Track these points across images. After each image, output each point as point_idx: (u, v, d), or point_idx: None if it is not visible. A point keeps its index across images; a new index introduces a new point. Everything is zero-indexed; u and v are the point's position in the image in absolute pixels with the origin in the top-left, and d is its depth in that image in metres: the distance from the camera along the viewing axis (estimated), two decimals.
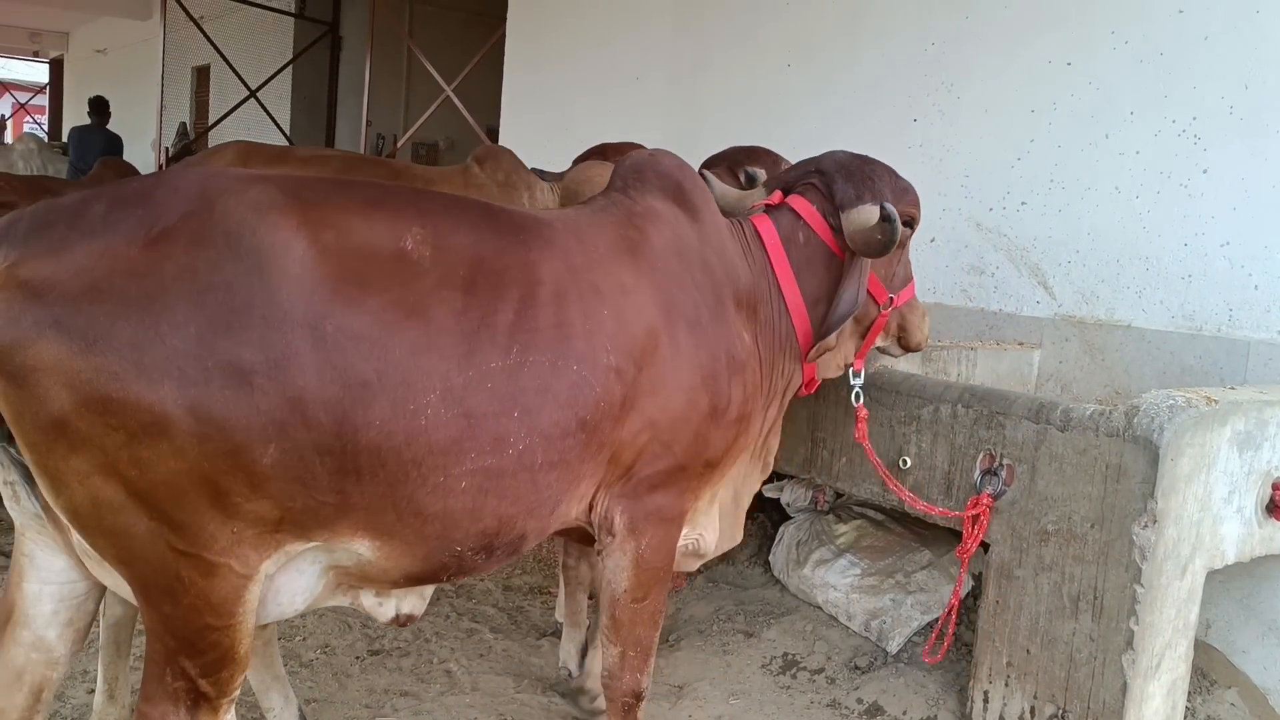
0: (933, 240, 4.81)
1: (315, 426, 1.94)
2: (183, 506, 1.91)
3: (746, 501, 3.04)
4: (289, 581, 2.18)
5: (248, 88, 10.50)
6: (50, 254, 1.85)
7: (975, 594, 3.86)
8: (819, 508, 4.39)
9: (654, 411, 2.45)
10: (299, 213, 2.01)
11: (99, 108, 11.28)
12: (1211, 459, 2.92)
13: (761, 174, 3.43)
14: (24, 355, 1.80)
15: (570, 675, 3.67)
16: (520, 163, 4.45)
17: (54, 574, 2.19)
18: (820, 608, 4.11)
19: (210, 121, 11.90)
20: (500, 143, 7.48)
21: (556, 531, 2.60)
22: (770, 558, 4.42)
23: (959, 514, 3.16)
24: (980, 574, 3.62)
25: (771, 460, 3.05)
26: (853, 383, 3.04)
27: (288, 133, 10.92)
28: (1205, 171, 3.85)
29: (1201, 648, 3.69)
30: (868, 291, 2.81)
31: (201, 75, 12.90)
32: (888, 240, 2.66)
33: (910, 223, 2.95)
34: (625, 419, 2.39)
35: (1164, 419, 2.83)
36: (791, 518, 4.46)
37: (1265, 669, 3.41)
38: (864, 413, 3.06)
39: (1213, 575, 3.25)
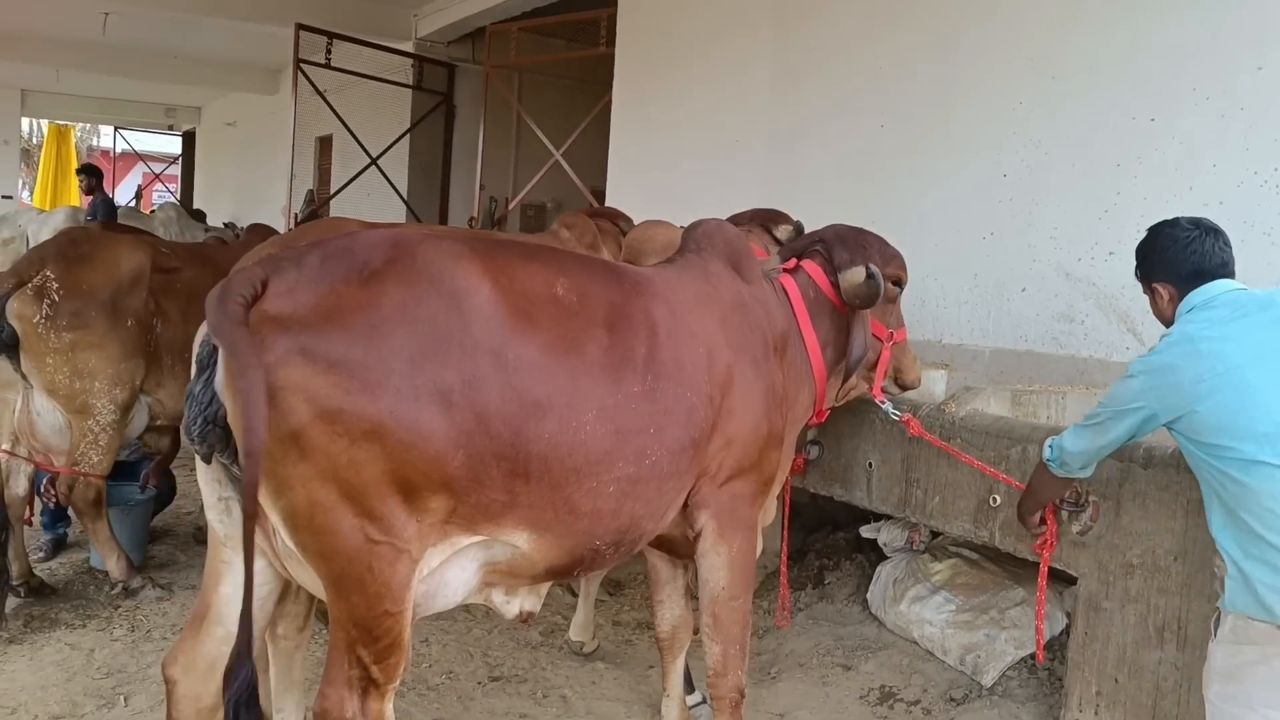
0: (1024, 290, 4.98)
1: (496, 437, 2.35)
2: (384, 501, 2.27)
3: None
4: (454, 575, 2.55)
5: (369, 155, 11.13)
6: (287, 295, 2.25)
7: (1067, 630, 3.99)
8: (914, 547, 4.56)
9: (732, 432, 2.93)
10: (481, 261, 2.46)
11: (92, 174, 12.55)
12: None
13: (793, 231, 4.17)
14: (275, 376, 2.17)
15: (581, 646, 4.37)
16: (595, 228, 5.07)
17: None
18: (916, 642, 4.27)
19: (332, 187, 12.62)
20: (607, 204, 7.88)
21: (663, 539, 3.07)
22: (868, 595, 4.60)
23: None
24: (1071, 610, 3.76)
25: (777, 487, 3.46)
26: (883, 407, 3.68)
27: (405, 197, 11.53)
28: None
29: None
30: (871, 333, 3.44)
31: (324, 144, 13.68)
32: (873, 293, 3.26)
33: (898, 281, 3.59)
34: (713, 439, 2.87)
35: None
36: (888, 557, 4.65)
37: None
38: (908, 418, 3.70)
39: None
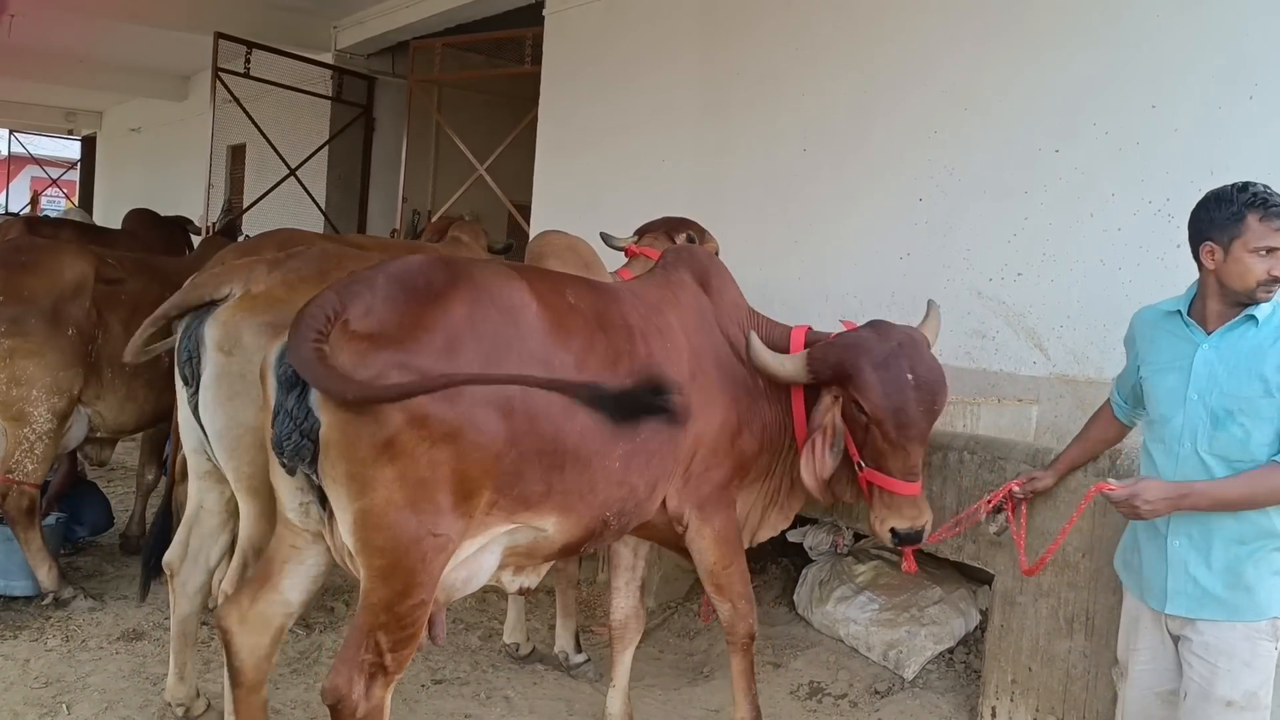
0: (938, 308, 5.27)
1: (541, 435, 2.69)
2: (449, 496, 2.54)
3: (758, 530, 3.75)
4: (488, 560, 2.87)
5: (288, 166, 11.05)
6: (368, 316, 2.52)
7: (982, 626, 4.27)
8: (839, 550, 4.81)
9: (701, 425, 3.23)
10: (525, 280, 2.84)
11: None
12: None
13: (695, 239, 4.55)
14: (373, 390, 2.44)
15: (566, 657, 4.49)
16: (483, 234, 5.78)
17: (308, 559, 2.88)
18: (842, 640, 4.51)
19: (245, 196, 12.48)
20: (532, 219, 8.02)
21: (640, 528, 3.33)
22: (795, 596, 4.83)
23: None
24: (986, 608, 4.03)
25: (791, 513, 3.76)
26: None
27: (324, 208, 11.48)
28: (1178, 246, 4.29)
29: None
30: None
31: (237, 153, 13.51)
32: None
33: None
34: (689, 427, 3.16)
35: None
36: (814, 560, 4.89)
37: None
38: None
39: None
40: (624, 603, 3.84)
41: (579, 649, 4.47)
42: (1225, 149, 4.22)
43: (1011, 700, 3.58)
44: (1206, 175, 4.25)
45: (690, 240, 4.56)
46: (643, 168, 7.10)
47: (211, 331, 3.22)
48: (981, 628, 4.31)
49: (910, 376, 3.08)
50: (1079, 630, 3.40)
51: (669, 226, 4.74)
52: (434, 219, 7.39)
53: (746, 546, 3.63)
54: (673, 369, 3.13)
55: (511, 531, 2.83)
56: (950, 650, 4.35)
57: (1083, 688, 3.37)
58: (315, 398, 2.50)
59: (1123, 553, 2.98)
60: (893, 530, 3.19)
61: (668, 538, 3.49)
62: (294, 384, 2.53)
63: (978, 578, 4.50)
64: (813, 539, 4.87)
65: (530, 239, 5.32)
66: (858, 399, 3.11)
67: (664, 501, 3.26)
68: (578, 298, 2.99)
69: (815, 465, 3.20)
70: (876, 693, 4.18)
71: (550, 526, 2.87)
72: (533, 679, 4.36)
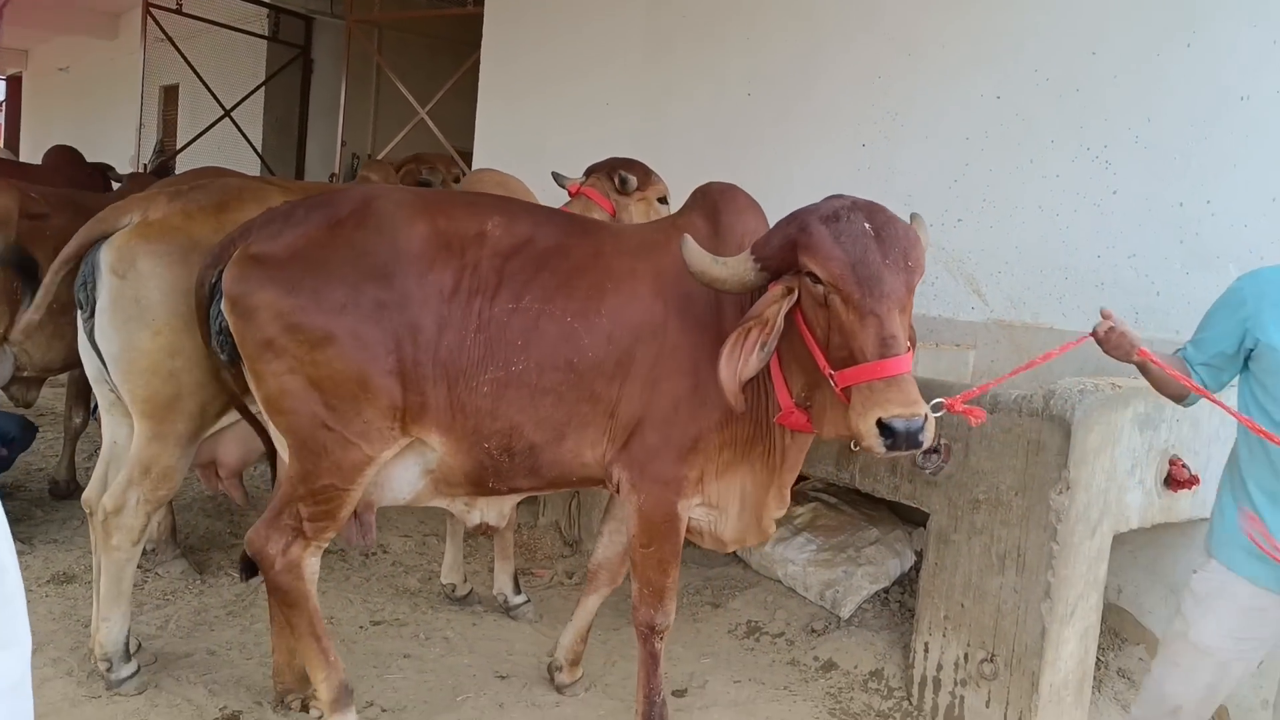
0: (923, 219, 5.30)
1: (418, 345, 2.89)
2: (338, 396, 2.89)
3: (762, 512, 3.21)
4: (399, 473, 3.11)
5: (223, 107, 10.77)
6: (270, 239, 2.95)
7: (917, 567, 4.34)
8: None
9: (644, 380, 3.00)
10: (422, 207, 3.03)
11: None
12: (1116, 436, 3.42)
13: (634, 180, 4.48)
14: (249, 300, 2.89)
15: (505, 599, 4.46)
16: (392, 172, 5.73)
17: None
18: (780, 581, 4.56)
19: (178, 139, 12.16)
20: (474, 164, 7.90)
21: (581, 481, 3.23)
22: None
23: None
24: (921, 549, 4.10)
25: (787, 494, 3.25)
26: None
27: (260, 152, 11.23)
28: (1115, 192, 4.39)
29: (1114, 610, 4.20)
30: None
31: (170, 94, 13.14)
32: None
33: None
34: (620, 382, 3.00)
35: (1075, 401, 3.33)
36: None
37: (1169, 625, 3.89)
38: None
39: (1122, 545, 3.76)
40: (602, 550, 3.66)
41: (518, 590, 4.46)
42: (1163, 96, 4.27)
43: (944, 635, 3.65)
44: (1144, 123, 4.31)
45: (623, 182, 4.49)
46: (586, 112, 7.02)
47: (106, 256, 3.28)
48: (916, 568, 4.38)
49: (868, 226, 2.58)
50: (1010, 566, 3.46)
51: (612, 167, 4.68)
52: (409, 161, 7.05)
53: (760, 531, 3.25)
54: (602, 311, 2.97)
55: (418, 449, 3.04)
56: (886, 590, 4.43)
57: (1013, 622, 3.44)
58: (224, 304, 2.95)
59: (1246, 545, 2.61)
60: (881, 426, 2.46)
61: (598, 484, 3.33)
62: (215, 293, 3.00)
63: (914, 520, 4.57)
64: None
65: (465, 177, 5.28)
66: (811, 266, 2.58)
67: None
68: (507, 225, 3.06)
69: (739, 360, 2.67)
70: (813, 631, 4.24)
71: (438, 446, 3.02)
72: (472, 619, 4.36)
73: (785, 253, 2.67)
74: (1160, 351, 2.74)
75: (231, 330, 2.96)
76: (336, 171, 10.37)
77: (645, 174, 4.62)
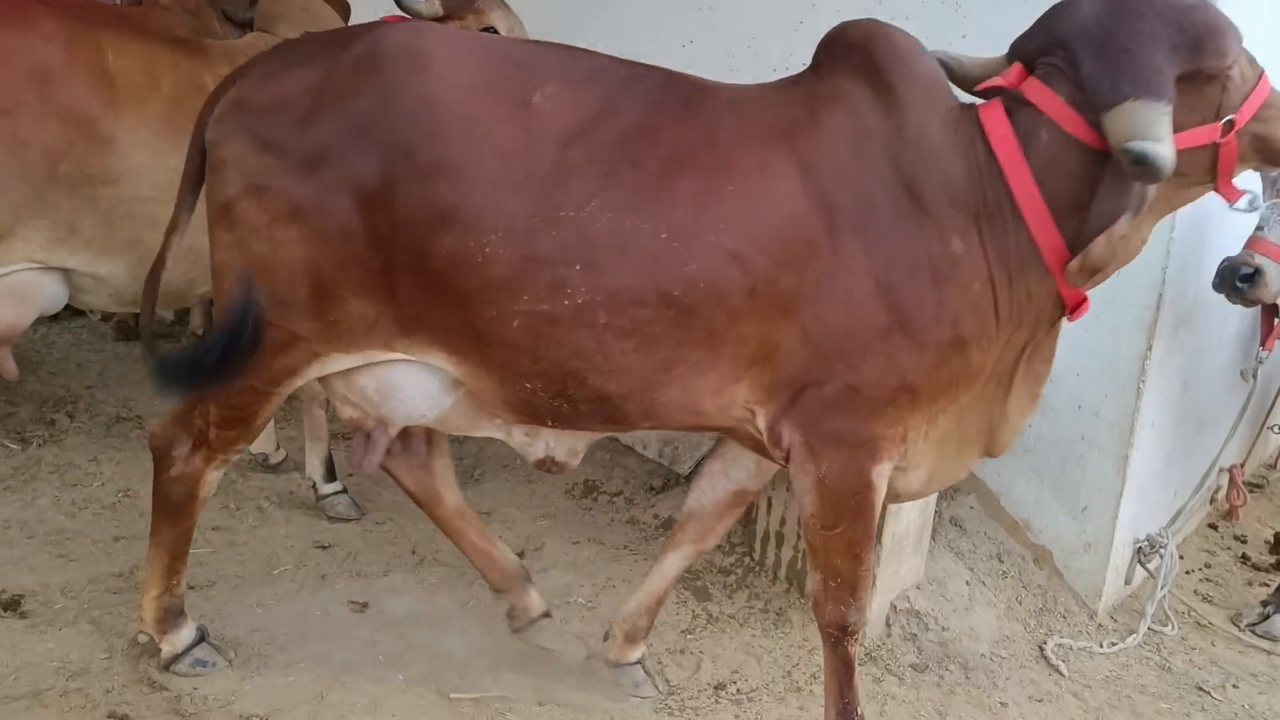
0: None
1: (407, 246, 2.27)
2: (291, 287, 2.34)
3: (998, 431, 2.57)
4: (411, 383, 2.52)
5: None
6: (260, 81, 2.38)
7: None
8: None
9: (808, 319, 2.26)
10: (443, 54, 2.30)
11: None
12: None
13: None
14: (221, 150, 2.37)
15: (314, 486, 3.89)
16: None
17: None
18: (617, 438, 4.41)
19: None
20: None
21: (715, 429, 2.56)
22: None
23: None
24: None
25: (1040, 390, 2.59)
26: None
27: None
28: (964, 36, 4.25)
29: None
30: (1179, 150, 2.15)
31: None
32: (1149, 175, 2.11)
33: (1213, 75, 2.24)
34: (761, 318, 2.26)
35: None
36: None
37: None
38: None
39: None
40: (697, 496, 2.89)
41: (330, 476, 3.90)
42: None
43: (787, 489, 3.58)
44: None
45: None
46: None
47: None
48: None
49: None
50: None
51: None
52: None
53: (984, 454, 2.62)
54: (723, 227, 2.22)
55: (413, 359, 2.46)
56: None
57: None
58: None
59: None
60: None
61: (740, 438, 2.58)
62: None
63: None
64: None
65: None
66: (1213, 67, 2.20)
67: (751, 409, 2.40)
68: (564, 94, 2.28)
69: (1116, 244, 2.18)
70: (652, 489, 4.13)
71: (446, 366, 2.42)
72: (289, 487, 4.05)
73: (1172, 73, 2.16)
74: None
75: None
76: None
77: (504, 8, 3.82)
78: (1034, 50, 2.36)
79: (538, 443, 2.70)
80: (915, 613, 3.50)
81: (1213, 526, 4.87)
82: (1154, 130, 2.09)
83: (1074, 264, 2.24)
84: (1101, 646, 3.62)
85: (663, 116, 2.30)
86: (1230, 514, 4.67)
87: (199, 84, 3.26)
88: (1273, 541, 4.71)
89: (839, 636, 2.52)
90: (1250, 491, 4.95)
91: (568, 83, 2.31)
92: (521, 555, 3.60)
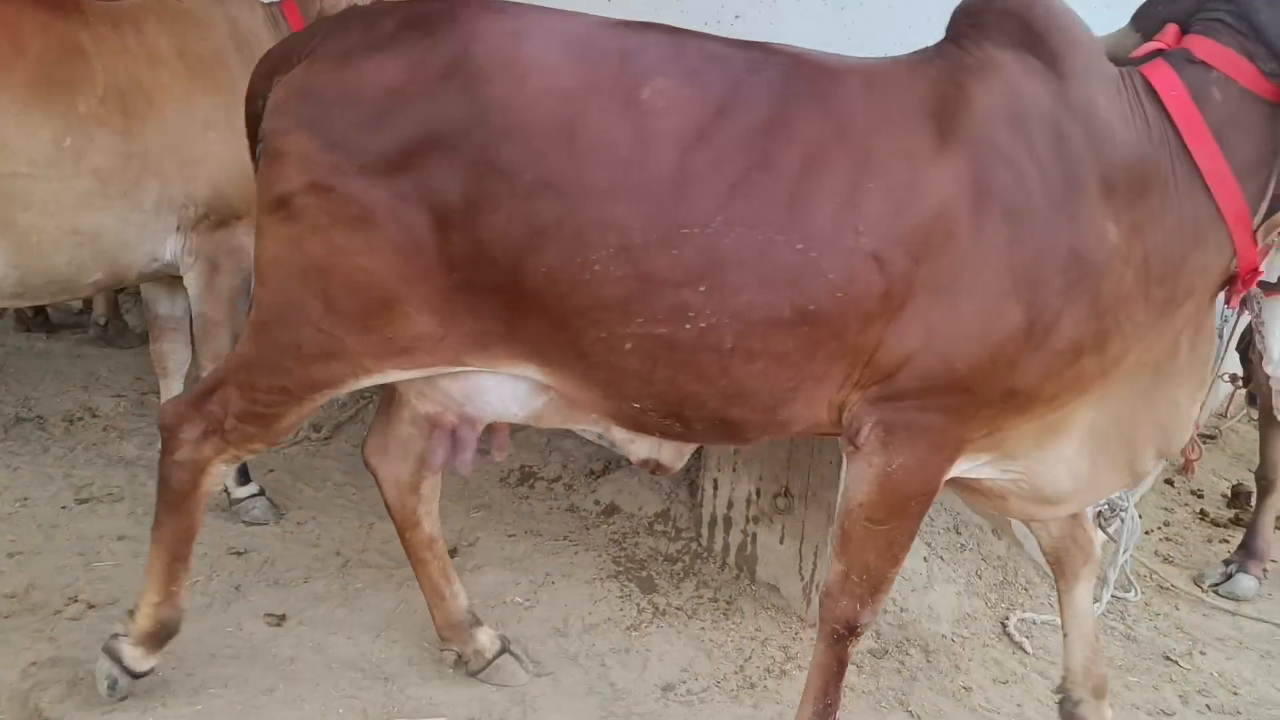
0: None
1: (494, 265, 2.04)
2: (348, 296, 2.13)
3: (1157, 433, 2.40)
4: (498, 384, 2.29)
5: None
6: (331, 63, 2.13)
7: None
8: None
9: (935, 316, 2.03)
10: (542, 45, 2.05)
11: None
12: None
13: None
14: (281, 140, 2.13)
15: (227, 490, 3.54)
16: None
17: None
18: None
19: None
20: None
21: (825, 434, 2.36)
22: None
23: None
24: None
25: (1205, 372, 2.41)
26: None
27: None
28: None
29: None
30: None
31: None
32: None
33: None
34: (888, 319, 2.03)
35: None
36: None
37: None
38: None
39: None
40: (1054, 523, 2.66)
41: (244, 479, 3.58)
42: None
43: (734, 471, 3.39)
44: None
45: None
46: None
47: None
48: None
49: None
50: None
51: None
52: None
53: (1143, 469, 2.45)
54: (858, 226, 1.98)
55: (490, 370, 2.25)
56: None
57: (808, 454, 3.19)
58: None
59: None
60: None
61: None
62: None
63: None
64: None
65: None
66: None
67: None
68: (676, 88, 2.02)
69: None
70: (592, 473, 3.92)
71: (540, 376, 2.20)
72: None
73: None
74: None
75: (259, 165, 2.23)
76: None
77: None
78: (1180, 11, 2.21)
79: (641, 442, 2.46)
80: None
81: (1169, 482, 4.78)
82: None
83: (1264, 226, 2.11)
84: None
85: (791, 109, 2.03)
86: (1185, 468, 4.54)
87: (73, 46, 2.95)
88: (1229, 495, 4.62)
89: (843, 634, 2.32)
90: (1203, 443, 4.85)
91: (680, 75, 2.05)
92: (454, 553, 3.37)
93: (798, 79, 2.08)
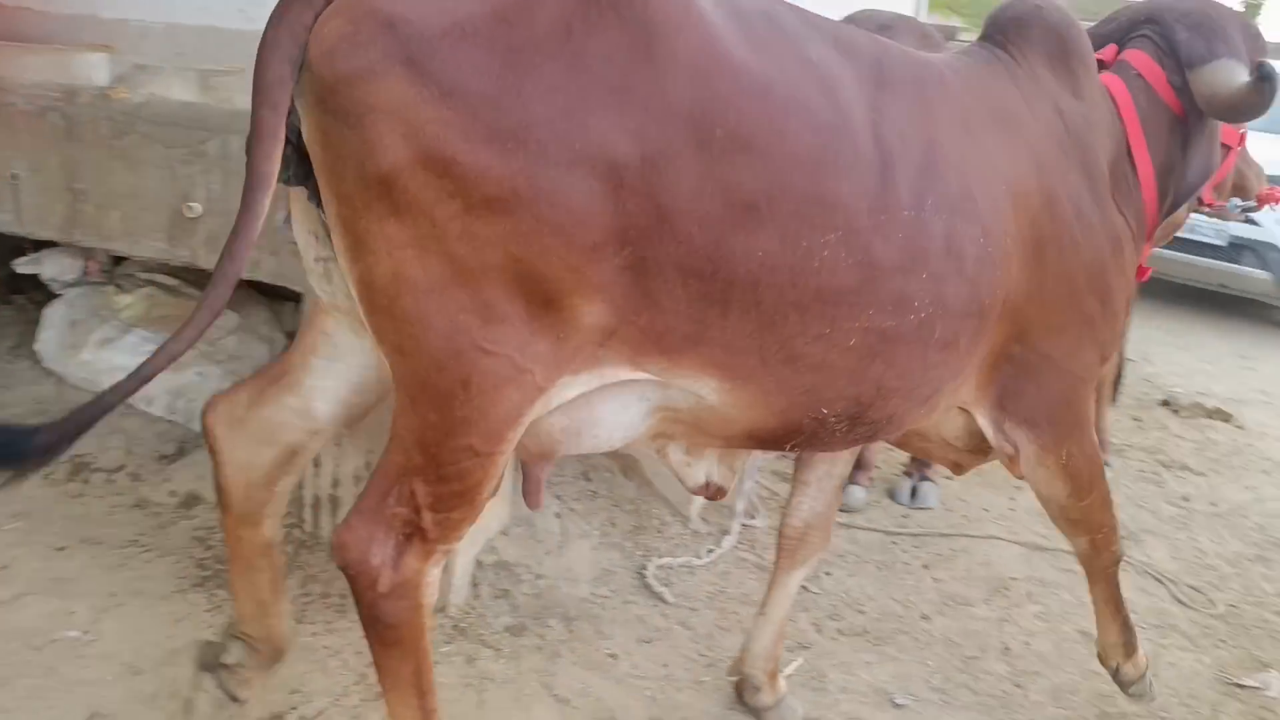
0: None
1: (684, 241, 1.66)
2: (509, 300, 1.62)
3: None
4: (610, 413, 1.89)
5: None
6: None
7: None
8: (92, 278, 3.63)
9: (1033, 314, 2.17)
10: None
11: None
12: None
13: None
14: (363, 90, 1.52)
15: None
16: None
17: (349, 354, 2.01)
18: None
19: None
20: None
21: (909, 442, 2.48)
22: (36, 346, 3.58)
23: None
24: (293, 330, 3.27)
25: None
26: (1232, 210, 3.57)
27: None
28: None
29: None
30: (1220, 144, 2.66)
31: None
32: (1263, 102, 2.31)
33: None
34: (1015, 319, 2.16)
35: None
36: (59, 294, 3.64)
37: None
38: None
39: None
40: (809, 503, 2.68)
41: None
42: None
43: (338, 445, 2.91)
44: None
45: None
46: None
47: None
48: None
49: None
50: None
51: None
52: None
53: None
54: (995, 221, 2.03)
55: (660, 384, 1.83)
56: None
57: None
58: (307, 83, 1.57)
59: None
60: None
61: (921, 443, 2.46)
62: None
63: (279, 296, 3.67)
64: (52, 267, 3.60)
65: None
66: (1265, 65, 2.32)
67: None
68: (834, 62, 1.84)
69: None
70: (164, 457, 3.27)
71: (711, 394, 1.84)
72: None
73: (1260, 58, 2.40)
74: None
75: (311, 139, 1.62)
76: None
77: None
78: (1117, 30, 2.60)
79: (699, 466, 2.26)
80: (504, 564, 3.03)
81: None
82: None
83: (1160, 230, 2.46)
84: (700, 557, 3.38)
85: (929, 97, 2.00)
86: None
87: None
88: None
89: (1113, 570, 2.62)
90: None
91: (829, 45, 1.88)
92: None
93: (906, 65, 2.02)
